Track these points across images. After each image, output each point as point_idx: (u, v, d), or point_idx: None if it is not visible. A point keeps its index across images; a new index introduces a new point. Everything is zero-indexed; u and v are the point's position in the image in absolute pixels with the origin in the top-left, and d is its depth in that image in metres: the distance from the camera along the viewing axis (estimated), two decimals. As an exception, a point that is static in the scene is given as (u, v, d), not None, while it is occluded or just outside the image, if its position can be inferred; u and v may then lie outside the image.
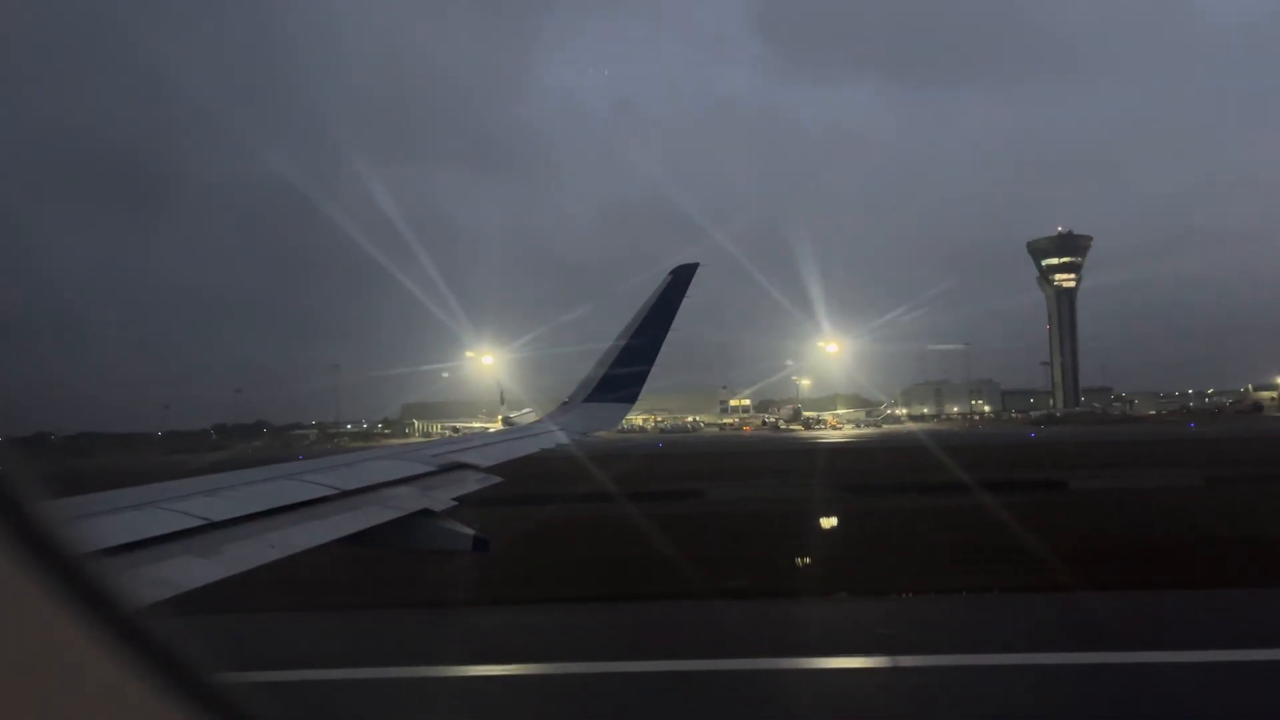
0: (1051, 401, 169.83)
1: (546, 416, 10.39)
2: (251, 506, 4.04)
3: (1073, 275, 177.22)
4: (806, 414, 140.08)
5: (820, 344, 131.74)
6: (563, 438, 8.57)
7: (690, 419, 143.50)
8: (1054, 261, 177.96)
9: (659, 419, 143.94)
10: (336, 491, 4.75)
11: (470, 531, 4.98)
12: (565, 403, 10.23)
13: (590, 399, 9.75)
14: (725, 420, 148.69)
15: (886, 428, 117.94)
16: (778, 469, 41.99)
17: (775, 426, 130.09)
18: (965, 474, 32.17)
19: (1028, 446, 59.99)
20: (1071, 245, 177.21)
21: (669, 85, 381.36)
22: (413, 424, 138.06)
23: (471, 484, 6.02)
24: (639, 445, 77.65)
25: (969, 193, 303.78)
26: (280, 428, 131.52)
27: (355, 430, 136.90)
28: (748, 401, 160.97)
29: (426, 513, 5.01)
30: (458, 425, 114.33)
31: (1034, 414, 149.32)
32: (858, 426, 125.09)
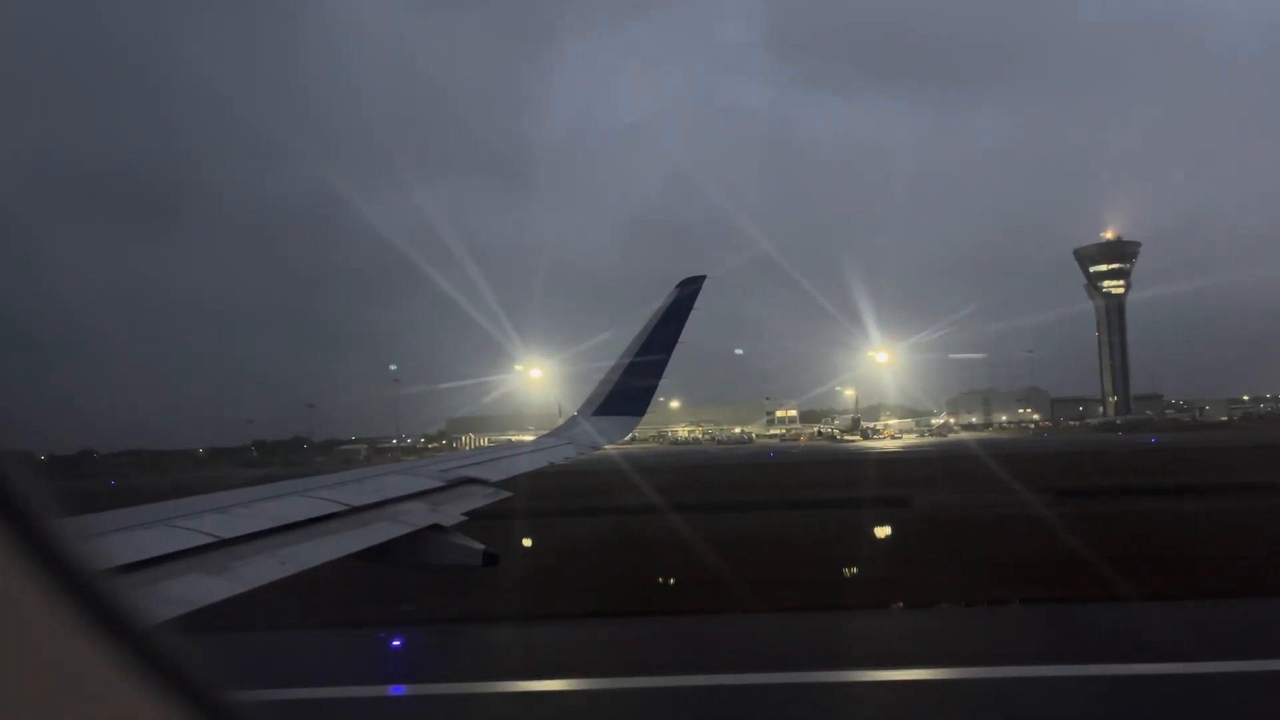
0: (1101, 409, 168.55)
1: (555, 431, 10.38)
2: (262, 524, 4.04)
3: (1121, 282, 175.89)
4: (864, 424, 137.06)
5: (867, 354, 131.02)
6: (571, 452, 8.55)
7: (738, 430, 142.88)
8: (1102, 268, 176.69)
9: (704, 430, 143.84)
10: (346, 508, 4.75)
11: (480, 546, 4.97)
12: (574, 416, 10.22)
13: (599, 413, 9.74)
14: (773, 431, 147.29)
15: (950, 437, 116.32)
16: (943, 476, 41.58)
17: (831, 437, 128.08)
18: (1163, 477, 32.92)
19: (1162, 451, 60.13)
20: (1120, 251, 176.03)
21: (691, 100, 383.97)
22: (460, 438, 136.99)
23: (480, 499, 6.02)
24: (736, 456, 78.53)
25: (1004, 203, 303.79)
26: (319, 444, 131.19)
27: (401, 445, 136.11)
28: (794, 412, 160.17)
29: (436, 528, 5.01)
30: (511, 438, 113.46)
31: (1091, 421, 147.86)
32: (921, 435, 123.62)
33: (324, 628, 13.95)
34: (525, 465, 7.51)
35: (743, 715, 9.76)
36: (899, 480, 41.61)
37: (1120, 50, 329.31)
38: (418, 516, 5.05)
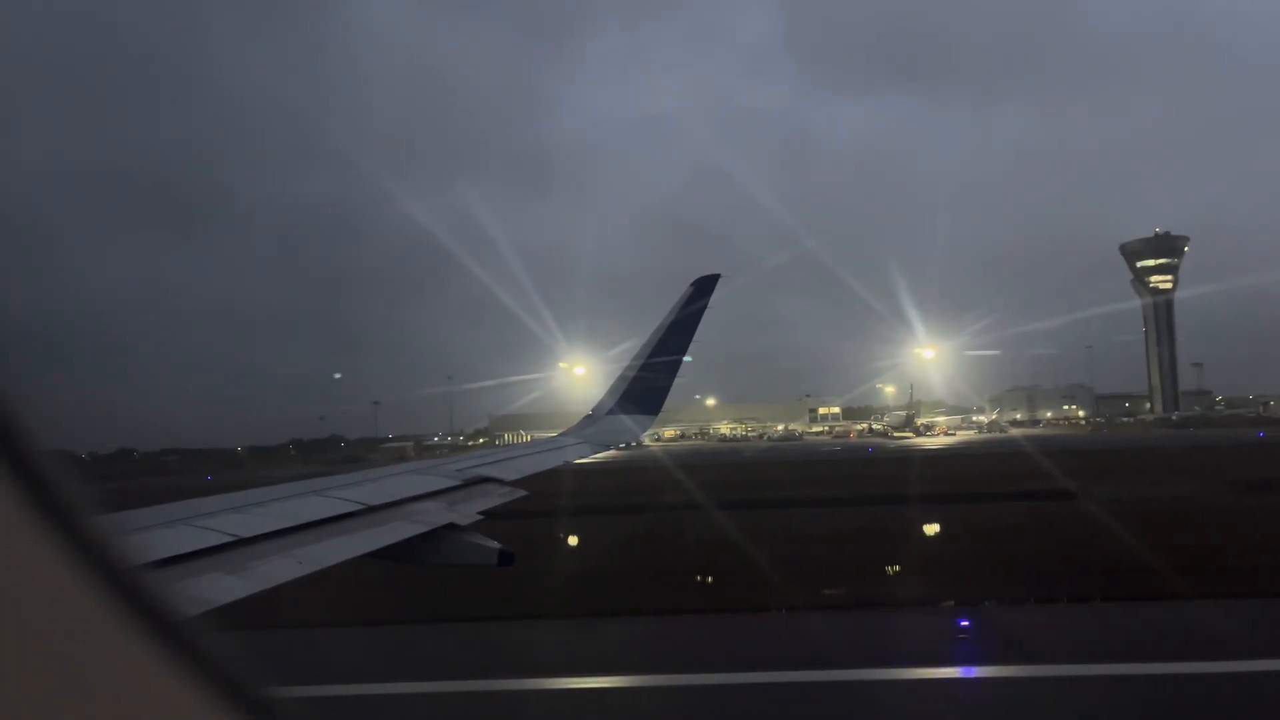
0: (1148, 405, 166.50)
1: (571, 429, 10.40)
2: (279, 523, 4.07)
3: (1169, 277, 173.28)
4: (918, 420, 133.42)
5: (907, 351, 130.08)
6: (587, 450, 8.57)
7: (782, 426, 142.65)
8: (1149, 263, 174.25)
9: (749, 427, 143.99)
10: (363, 507, 4.78)
11: (496, 546, 4.99)
12: (589, 415, 10.23)
13: (614, 411, 9.74)
14: (815, 428, 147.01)
15: (1011, 433, 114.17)
16: (1094, 470, 41.65)
17: (884, 433, 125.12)
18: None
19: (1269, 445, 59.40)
20: (1167, 246, 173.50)
21: (710, 99, 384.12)
22: (502, 435, 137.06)
23: (495, 498, 6.04)
24: (829, 452, 78.06)
25: (1041, 202, 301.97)
26: (354, 442, 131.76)
27: (445, 443, 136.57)
28: (838, 409, 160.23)
29: (452, 527, 5.03)
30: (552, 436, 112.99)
31: (1146, 417, 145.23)
32: (979, 432, 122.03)
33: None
34: (540, 464, 7.52)
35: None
36: (1049, 473, 40.70)
37: (1156, 47, 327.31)
38: (434, 516, 5.07)
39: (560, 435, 10.13)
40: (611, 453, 10.91)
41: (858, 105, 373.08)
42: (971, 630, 13.96)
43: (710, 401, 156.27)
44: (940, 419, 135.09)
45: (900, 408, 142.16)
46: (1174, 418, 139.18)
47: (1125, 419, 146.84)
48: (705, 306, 9.90)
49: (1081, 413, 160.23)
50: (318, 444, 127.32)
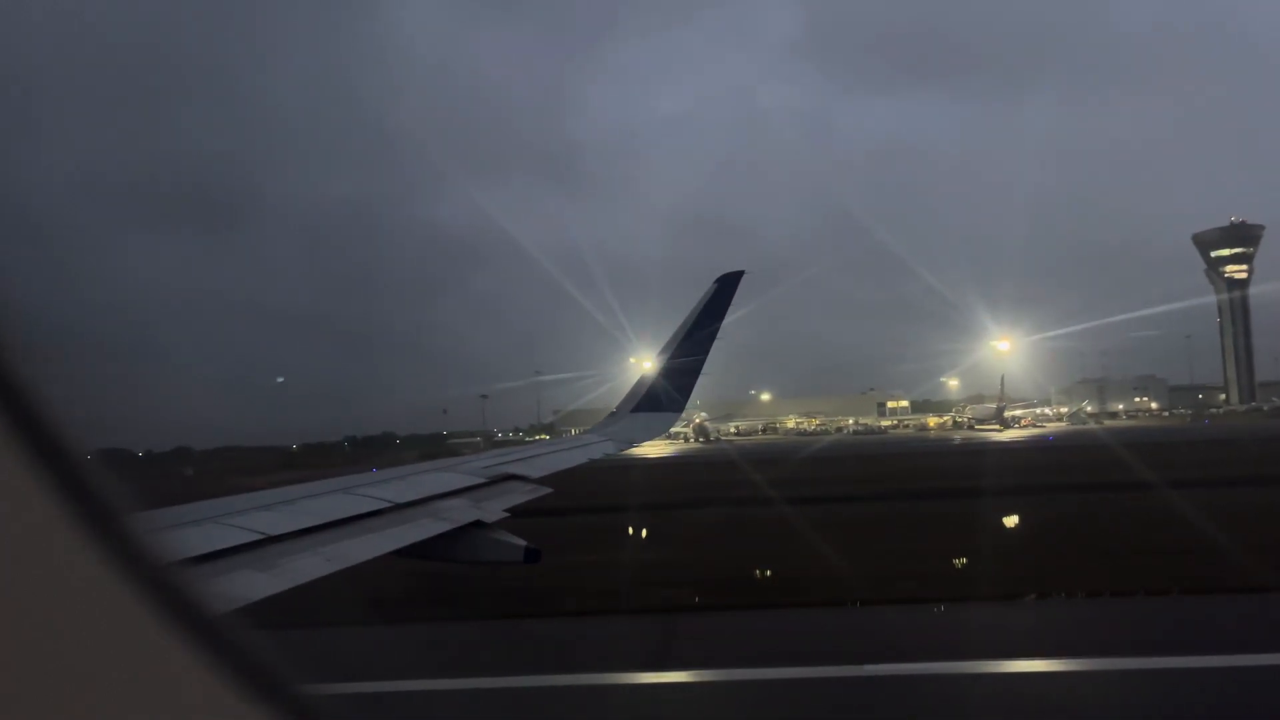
0: (1223, 396, 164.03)
1: (596, 427, 10.41)
2: (307, 521, 4.10)
3: (1244, 266, 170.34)
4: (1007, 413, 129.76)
5: (983, 343, 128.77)
6: (611, 448, 8.57)
7: (852, 421, 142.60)
8: (1224, 253, 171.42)
9: (818, 422, 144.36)
10: (390, 505, 4.81)
11: (522, 543, 5.00)
12: (613, 413, 10.24)
13: (639, 409, 9.75)
14: (884, 422, 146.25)
15: (1100, 424, 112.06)
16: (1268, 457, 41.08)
17: (969, 426, 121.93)
18: None
19: None
20: (1243, 235, 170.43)
21: (737, 97, 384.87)
22: (569, 430, 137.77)
23: (521, 495, 6.06)
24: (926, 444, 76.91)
25: (1110, 195, 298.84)
26: (406, 438, 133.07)
27: (512, 439, 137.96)
28: (906, 403, 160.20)
29: (479, 524, 5.05)
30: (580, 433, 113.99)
31: (1237, 408, 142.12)
32: (1072, 424, 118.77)
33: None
34: (565, 461, 7.54)
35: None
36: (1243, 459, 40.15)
37: (1221, 36, 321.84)
38: (460, 513, 5.10)
39: (586, 433, 10.15)
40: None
41: (909, 102, 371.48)
42: None
43: (765, 396, 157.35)
44: (1018, 411, 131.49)
45: (985, 399, 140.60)
46: (1265, 408, 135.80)
47: (1214, 409, 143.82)
48: (729, 303, 9.87)
49: (1154, 405, 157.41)
50: (372, 440, 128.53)
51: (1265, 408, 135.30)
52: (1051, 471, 40.31)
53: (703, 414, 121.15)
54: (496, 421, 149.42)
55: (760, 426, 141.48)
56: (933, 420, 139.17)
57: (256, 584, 3.34)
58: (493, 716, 9.98)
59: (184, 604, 1.26)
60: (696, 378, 9.83)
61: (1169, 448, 52.07)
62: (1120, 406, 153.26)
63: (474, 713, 10.19)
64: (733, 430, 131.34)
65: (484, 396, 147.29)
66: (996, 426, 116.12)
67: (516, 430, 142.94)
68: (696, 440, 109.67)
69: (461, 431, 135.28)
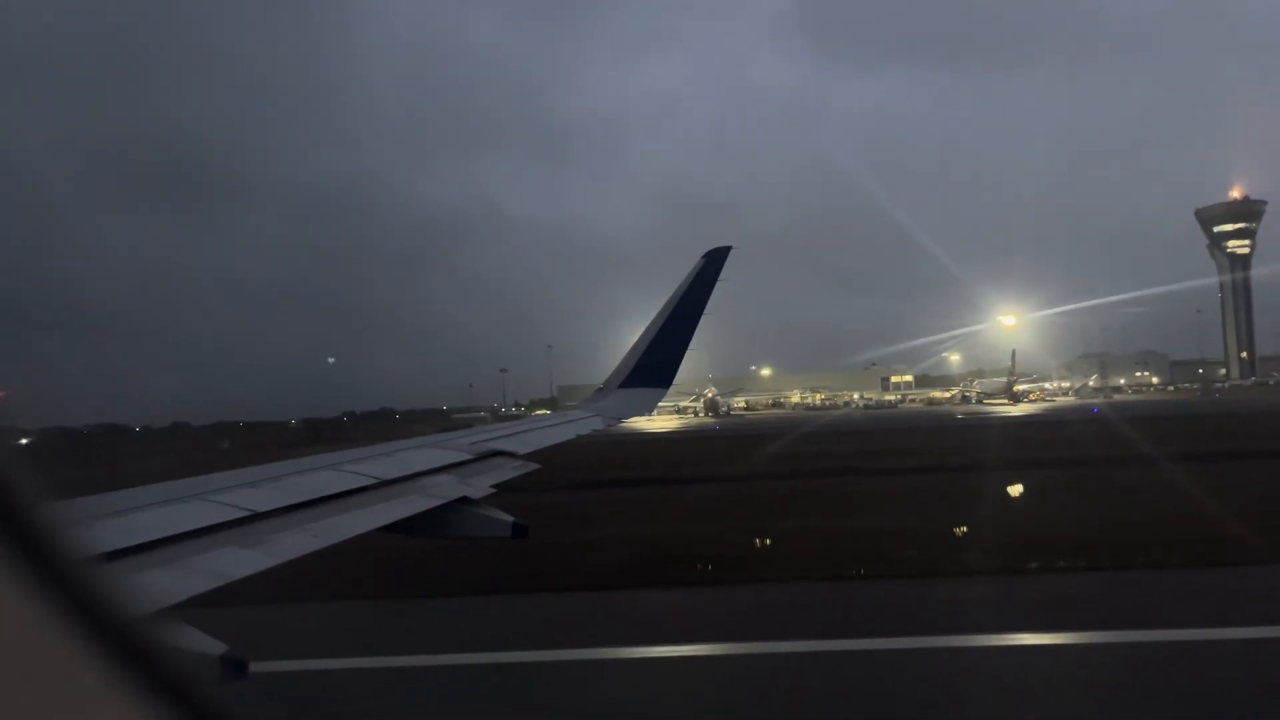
0: (1224, 370, 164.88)
1: (583, 403, 10.42)
2: (294, 497, 4.11)
3: (1247, 242, 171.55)
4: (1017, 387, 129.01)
5: (988, 319, 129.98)
6: (598, 424, 8.59)
7: (857, 395, 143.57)
8: (1227, 228, 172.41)
9: (822, 396, 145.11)
10: (376, 481, 4.82)
11: (509, 519, 5.02)
12: (600, 388, 10.25)
13: (625, 385, 9.76)
14: (888, 396, 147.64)
15: (1108, 398, 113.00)
16: None
17: (978, 400, 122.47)
18: None
19: None
20: (1246, 211, 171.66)
21: (722, 75, 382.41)
22: (569, 404, 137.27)
23: (508, 471, 6.07)
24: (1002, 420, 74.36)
25: (1108, 168, 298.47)
26: (405, 413, 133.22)
27: (515, 414, 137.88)
28: (910, 378, 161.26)
29: (465, 500, 5.07)
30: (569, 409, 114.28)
31: (1221, 384, 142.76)
32: (1082, 398, 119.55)
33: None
34: (553, 438, 7.55)
35: None
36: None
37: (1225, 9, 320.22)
38: (447, 489, 5.11)
39: (573, 409, 10.16)
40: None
41: (903, 77, 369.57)
42: None
43: (766, 372, 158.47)
44: (1023, 386, 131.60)
45: (985, 374, 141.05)
46: (1270, 382, 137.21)
47: (1216, 384, 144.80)
48: (716, 279, 9.87)
49: (1155, 379, 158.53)
50: (370, 416, 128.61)
51: (1270, 382, 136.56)
52: (1136, 442, 39.82)
53: (713, 389, 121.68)
54: (518, 395, 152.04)
55: (771, 401, 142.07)
56: (939, 394, 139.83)
57: (243, 561, 3.35)
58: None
59: (89, 604, 1.20)
60: (683, 353, 9.84)
61: (1221, 418, 52.55)
62: (1122, 381, 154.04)
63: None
64: (741, 405, 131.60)
65: (503, 370, 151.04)
66: (1005, 401, 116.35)
67: (517, 405, 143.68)
68: (707, 414, 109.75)
69: (461, 407, 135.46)
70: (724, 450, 46.08)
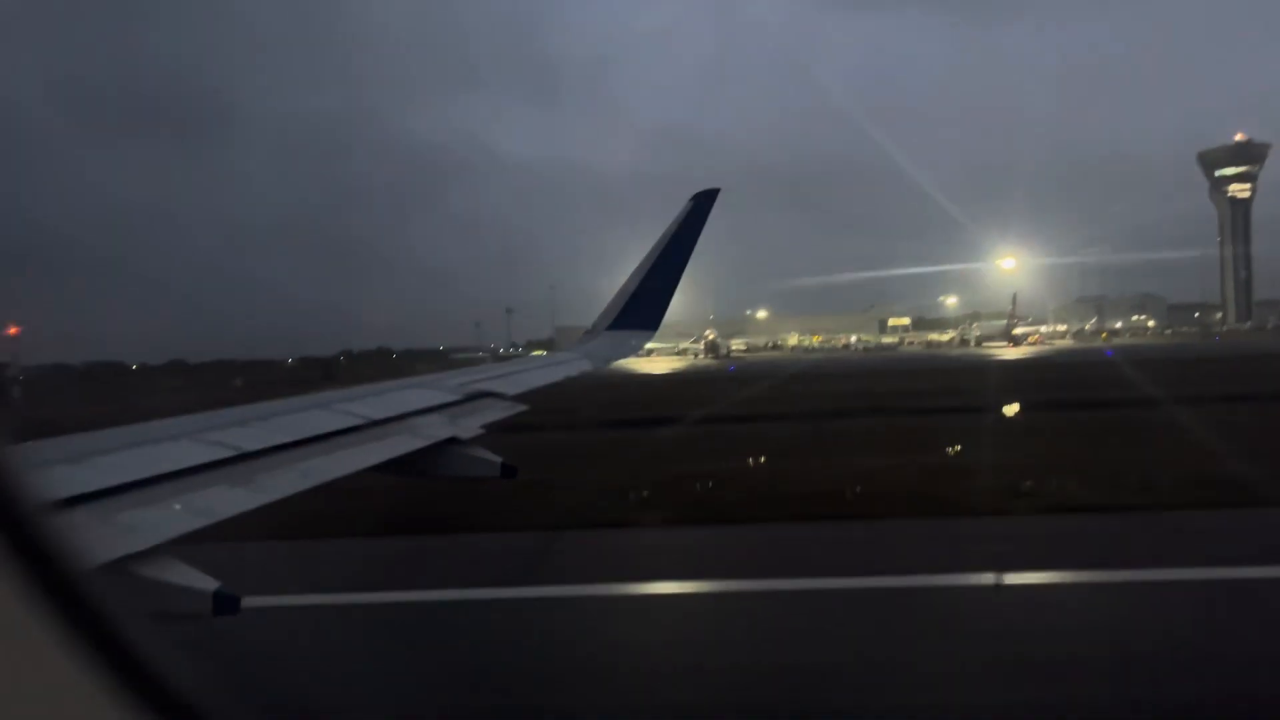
0: (1220, 315, 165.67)
1: (571, 345, 10.42)
2: (283, 436, 4.12)
3: (1248, 185, 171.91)
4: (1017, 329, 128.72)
5: (987, 261, 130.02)
6: (587, 365, 8.61)
7: (855, 337, 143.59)
8: (1229, 172, 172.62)
9: (819, 339, 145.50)
10: (366, 421, 4.82)
11: (498, 459, 5.05)
12: (589, 330, 10.25)
13: (613, 327, 9.76)
14: (885, 339, 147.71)
15: (1114, 342, 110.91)
16: None
17: (977, 343, 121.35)
18: None
19: None
20: (1248, 154, 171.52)
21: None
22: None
23: (497, 412, 6.08)
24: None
25: (1110, 109, 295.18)
26: (402, 353, 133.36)
27: (505, 354, 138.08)
28: (907, 320, 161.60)
29: (454, 440, 5.08)
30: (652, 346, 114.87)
31: (1242, 325, 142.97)
32: (1079, 342, 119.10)
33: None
34: (542, 379, 7.56)
35: None
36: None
37: None
38: (436, 429, 5.12)
39: (561, 352, 10.17)
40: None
41: (897, 16, 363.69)
42: None
43: (762, 314, 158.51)
44: (1022, 329, 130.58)
45: (982, 317, 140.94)
46: (1269, 325, 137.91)
47: (1214, 328, 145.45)
48: (704, 221, 9.83)
49: (1151, 323, 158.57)
50: (367, 355, 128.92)
51: (1270, 325, 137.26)
52: (1177, 384, 39.09)
53: (714, 331, 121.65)
54: (527, 335, 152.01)
55: (769, 343, 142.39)
56: (937, 336, 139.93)
57: (233, 500, 3.36)
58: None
59: (83, 605, 1.15)
60: (671, 296, 9.83)
61: (1236, 362, 52.69)
62: (1119, 324, 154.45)
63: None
64: (741, 347, 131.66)
65: (509, 310, 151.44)
66: (1005, 343, 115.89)
67: (514, 345, 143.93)
68: (707, 356, 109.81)
69: (458, 347, 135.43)
70: (772, 392, 46.36)
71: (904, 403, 33.97)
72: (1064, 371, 53.80)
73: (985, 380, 47.44)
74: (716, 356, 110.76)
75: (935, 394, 37.82)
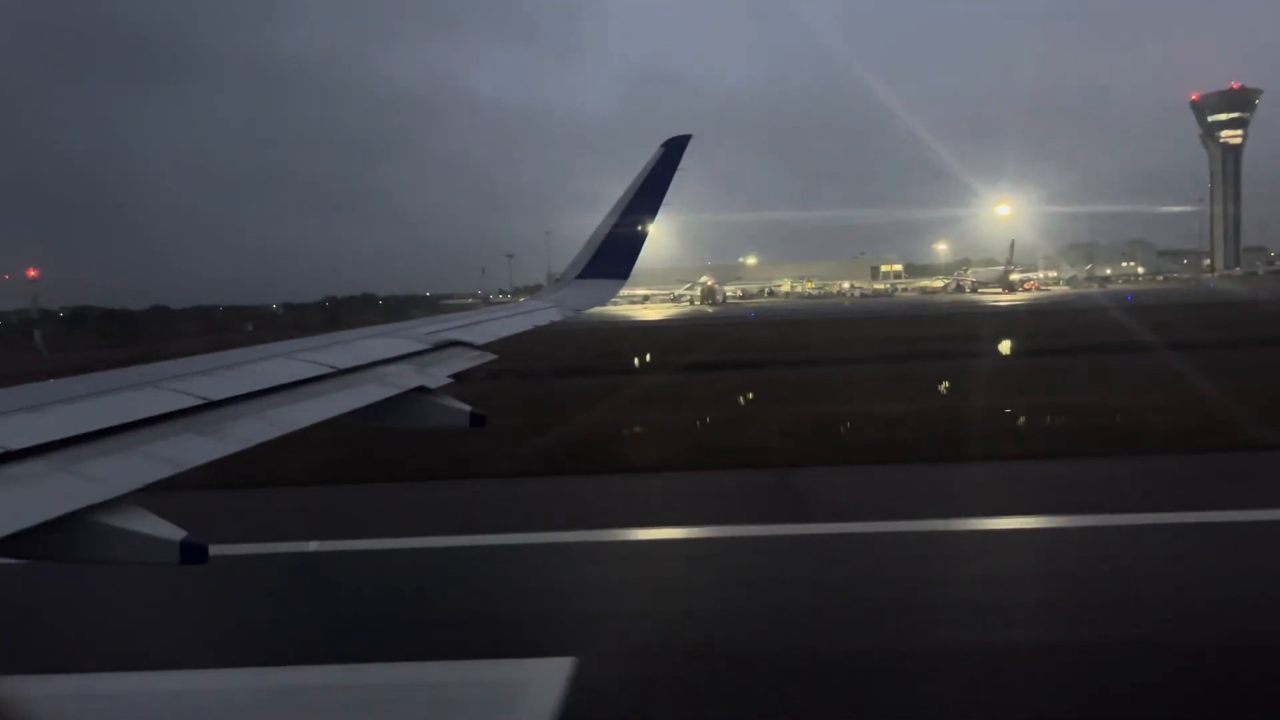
0: (1208, 261, 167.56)
1: (540, 293, 10.37)
2: (249, 385, 4.08)
3: (1239, 131, 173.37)
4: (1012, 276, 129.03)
5: (977, 208, 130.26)
6: (556, 315, 8.58)
7: (848, 284, 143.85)
8: (1221, 118, 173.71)
9: (812, 285, 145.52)
10: (333, 370, 4.79)
11: (467, 408, 5.04)
12: (558, 279, 10.20)
13: (583, 275, 9.72)
14: (876, 285, 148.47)
15: (1107, 288, 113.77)
16: None
17: (972, 289, 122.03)
18: None
19: None
20: (1241, 100, 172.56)
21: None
22: None
23: (465, 361, 6.06)
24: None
25: (1102, 53, 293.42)
26: (388, 299, 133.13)
27: (495, 299, 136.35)
28: (899, 267, 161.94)
29: (423, 390, 5.06)
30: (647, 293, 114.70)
31: (1233, 270, 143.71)
32: (1083, 288, 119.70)
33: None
34: (510, 328, 7.53)
35: None
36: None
37: None
38: (404, 379, 5.09)
39: (529, 300, 10.12)
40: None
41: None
42: None
43: (752, 261, 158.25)
44: (1018, 275, 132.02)
45: (972, 264, 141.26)
46: (1259, 271, 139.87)
47: (1209, 274, 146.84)
48: (675, 168, 9.74)
49: (1141, 269, 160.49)
50: (352, 301, 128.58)
51: (1260, 271, 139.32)
52: (1221, 328, 40.99)
53: (711, 278, 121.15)
54: (524, 279, 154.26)
55: (763, 290, 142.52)
56: (929, 283, 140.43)
57: (199, 448, 3.34)
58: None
59: None
60: (642, 244, 9.77)
61: (1250, 305, 54.22)
62: (1109, 270, 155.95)
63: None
64: (737, 294, 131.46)
65: (510, 255, 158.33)
66: (1000, 290, 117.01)
67: (501, 292, 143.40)
68: (704, 303, 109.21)
69: (446, 294, 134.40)
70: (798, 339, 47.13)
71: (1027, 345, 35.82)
72: (1118, 316, 54.27)
73: (1051, 325, 48.60)
74: (713, 303, 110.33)
75: (1028, 336, 39.56)
